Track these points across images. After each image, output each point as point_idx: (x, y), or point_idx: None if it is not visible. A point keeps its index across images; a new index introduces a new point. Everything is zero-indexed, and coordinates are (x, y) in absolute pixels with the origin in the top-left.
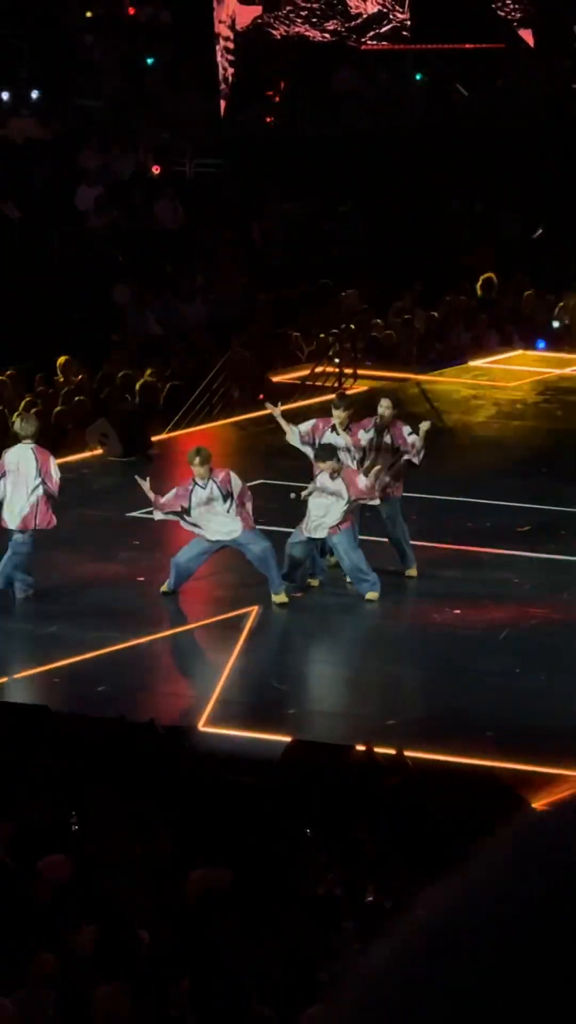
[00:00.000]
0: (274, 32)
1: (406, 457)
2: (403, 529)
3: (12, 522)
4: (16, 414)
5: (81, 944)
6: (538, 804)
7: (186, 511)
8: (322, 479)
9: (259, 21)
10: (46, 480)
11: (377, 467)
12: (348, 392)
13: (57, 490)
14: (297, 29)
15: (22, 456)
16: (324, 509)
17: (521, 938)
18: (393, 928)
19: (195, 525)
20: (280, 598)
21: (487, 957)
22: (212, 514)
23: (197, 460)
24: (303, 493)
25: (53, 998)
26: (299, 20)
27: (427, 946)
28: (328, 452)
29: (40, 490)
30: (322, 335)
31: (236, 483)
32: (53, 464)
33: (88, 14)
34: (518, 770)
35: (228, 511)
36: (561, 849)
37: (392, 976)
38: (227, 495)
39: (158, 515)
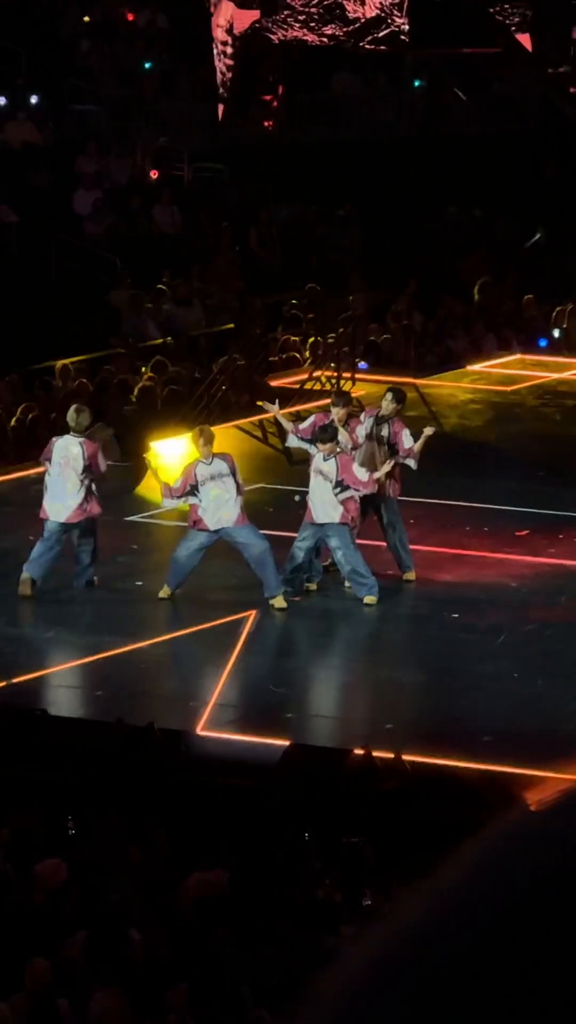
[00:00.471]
0: (272, 37)
1: (403, 461)
2: (402, 533)
3: (57, 515)
4: (73, 407)
5: (77, 949)
6: (520, 804)
7: (195, 489)
8: (317, 460)
9: (257, 25)
10: (93, 470)
11: (387, 467)
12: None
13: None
14: (295, 34)
15: (70, 448)
16: (319, 491)
17: (500, 937)
18: (370, 928)
19: (204, 510)
20: (279, 602)
21: (465, 956)
22: (222, 490)
23: (201, 440)
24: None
25: (48, 1003)
26: (297, 24)
27: (404, 945)
28: (329, 433)
29: (86, 483)
30: (319, 339)
31: (236, 466)
32: (100, 456)
33: (85, 19)
34: (516, 774)
35: (234, 491)
36: (542, 848)
37: (367, 976)
38: (233, 471)
39: (168, 503)
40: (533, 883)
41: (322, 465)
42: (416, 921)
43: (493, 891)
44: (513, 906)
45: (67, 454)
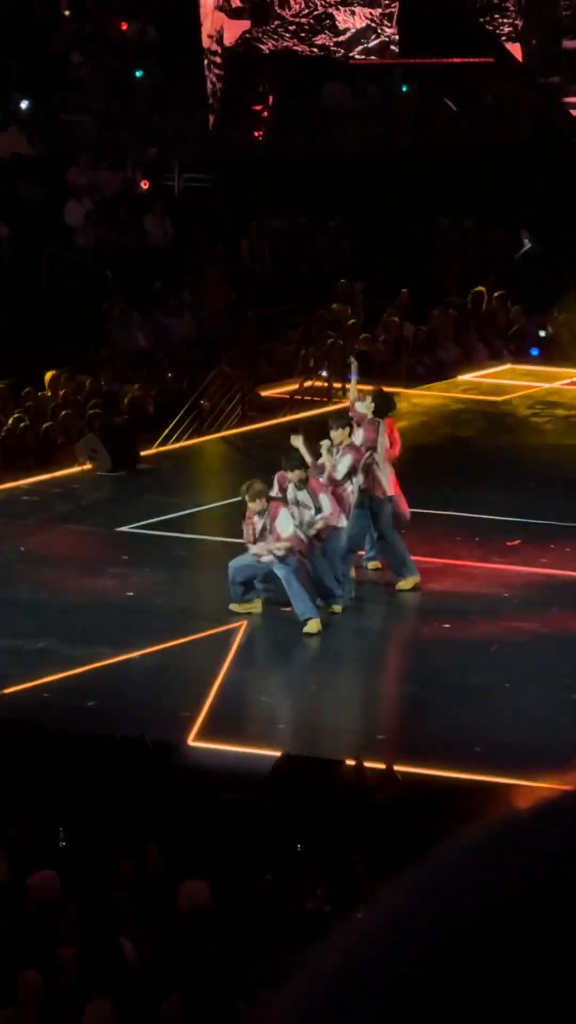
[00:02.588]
0: (262, 47)
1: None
2: (394, 539)
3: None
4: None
5: (68, 961)
6: (499, 812)
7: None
8: (290, 490)
9: (247, 36)
10: None
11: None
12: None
13: None
14: (285, 44)
15: None
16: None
17: (469, 943)
18: (336, 932)
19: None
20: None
21: (431, 960)
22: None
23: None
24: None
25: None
26: (287, 35)
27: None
28: (296, 462)
29: None
30: (310, 350)
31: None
32: None
33: (70, 19)
34: (507, 785)
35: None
36: (519, 854)
37: (331, 978)
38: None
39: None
40: (507, 890)
41: (296, 495)
42: (384, 927)
43: (462, 900)
44: (484, 914)
45: None
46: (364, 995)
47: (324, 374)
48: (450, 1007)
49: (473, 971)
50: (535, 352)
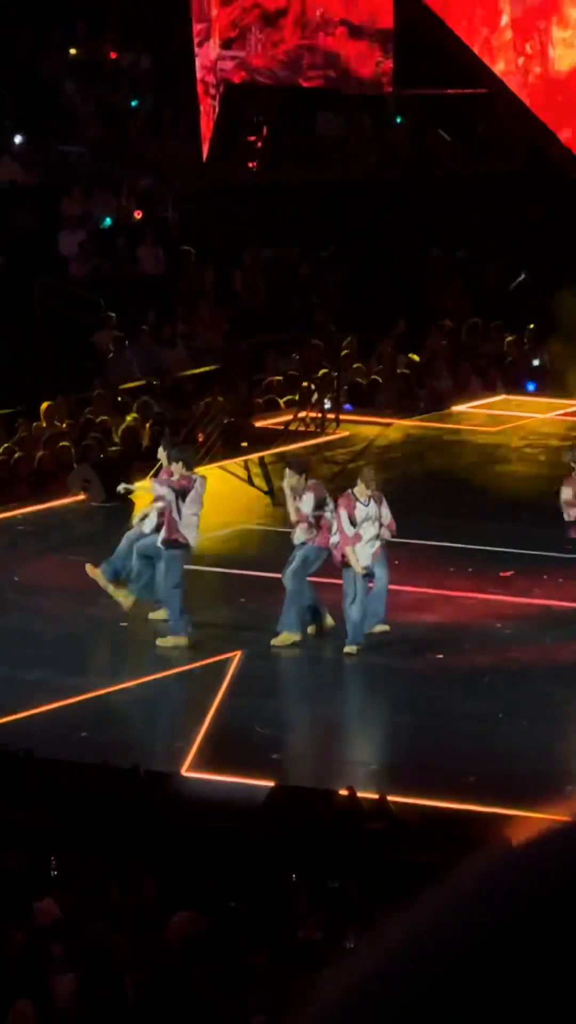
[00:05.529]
0: (258, 77)
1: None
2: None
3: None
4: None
5: (63, 991)
6: (497, 843)
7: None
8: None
9: (241, 65)
10: None
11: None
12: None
13: None
14: (280, 73)
15: None
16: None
17: (474, 965)
18: (343, 959)
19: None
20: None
21: (434, 989)
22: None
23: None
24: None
25: None
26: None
27: (376, 977)
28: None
29: None
30: (304, 383)
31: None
32: None
33: (72, 51)
34: (500, 815)
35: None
36: (518, 883)
37: (340, 1006)
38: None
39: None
40: (505, 917)
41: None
42: (393, 951)
43: (466, 924)
44: (485, 940)
45: None
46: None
47: (328, 404)
48: None
49: (473, 1001)
50: (532, 387)
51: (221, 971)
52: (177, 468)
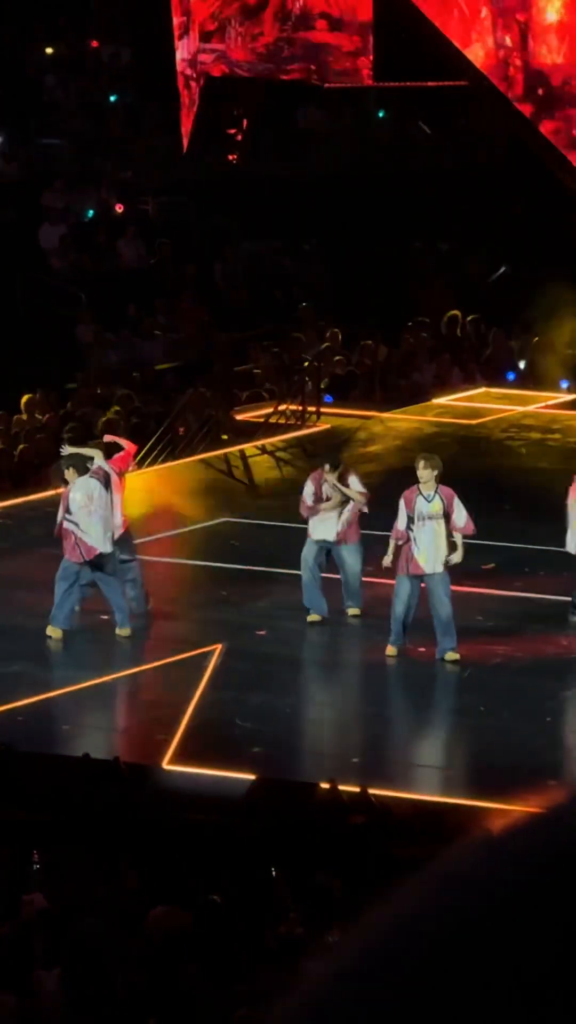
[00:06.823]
0: (238, 70)
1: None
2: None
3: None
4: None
5: (47, 986)
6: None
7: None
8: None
9: (222, 59)
10: None
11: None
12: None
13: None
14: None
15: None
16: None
17: (450, 963)
18: (326, 950)
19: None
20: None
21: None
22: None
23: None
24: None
25: None
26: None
27: (358, 967)
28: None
29: None
30: (285, 375)
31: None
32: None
33: (49, 50)
34: (482, 807)
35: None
36: (496, 875)
37: (323, 996)
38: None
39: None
40: (488, 905)
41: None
42: (376, 940)
43: (448, 913)
44: (468, 928)
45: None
46: (352, 1014)
47: (299, 397)
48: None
49: (456, 989)
50: (511, 376)
51: (203, 965)
52: (70, 474)
